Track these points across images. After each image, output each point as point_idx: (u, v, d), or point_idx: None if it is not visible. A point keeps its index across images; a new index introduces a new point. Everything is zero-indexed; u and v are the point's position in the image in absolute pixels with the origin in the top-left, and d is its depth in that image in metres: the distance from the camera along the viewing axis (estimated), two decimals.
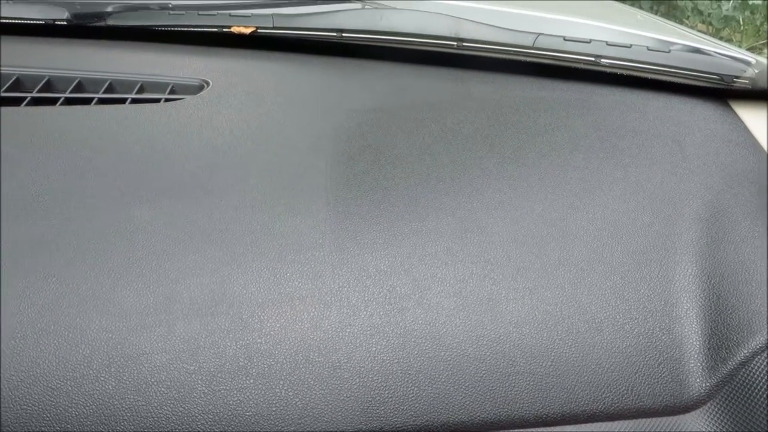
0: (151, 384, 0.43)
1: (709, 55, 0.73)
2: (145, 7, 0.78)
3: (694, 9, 3.80)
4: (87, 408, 0.42)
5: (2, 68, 0.68)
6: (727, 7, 3.76)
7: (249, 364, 0.44)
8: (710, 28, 3.73)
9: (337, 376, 0.44)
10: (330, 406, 0.43)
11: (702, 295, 0.49)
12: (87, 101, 0.66)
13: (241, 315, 0.46)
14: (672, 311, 0.48)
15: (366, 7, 0.78)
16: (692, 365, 0.46)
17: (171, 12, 0.77)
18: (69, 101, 0.66)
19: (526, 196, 0.55)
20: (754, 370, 0.46)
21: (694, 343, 0.47)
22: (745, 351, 0.46)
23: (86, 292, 0.46)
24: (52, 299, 0.45)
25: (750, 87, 0.68)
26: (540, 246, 0.51)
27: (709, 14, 3.77)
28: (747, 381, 0.46)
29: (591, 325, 0.47)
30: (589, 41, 0.71)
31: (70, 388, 0.42)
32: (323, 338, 0.45)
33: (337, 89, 0.70)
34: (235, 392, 0.43)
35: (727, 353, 0.47)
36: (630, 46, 0.71)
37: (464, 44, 0.73)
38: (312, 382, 0.44)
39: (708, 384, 0.46)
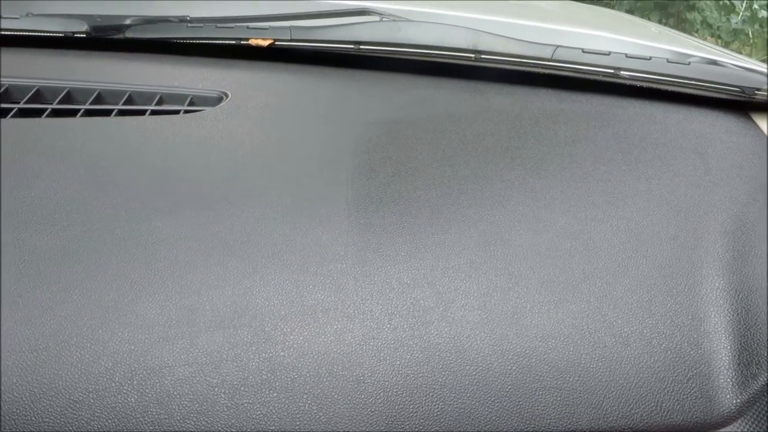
0: (173, 397, 0.42)
1: (728, 67, 0.72)
2: (164, 20, 0.79)
3: (703, 22, 3.80)
4: (109, 421, 0.41)
5: (23, 80, 0.69)
6: (736, 21, 3.76)
7: (272, 377, 0.43)
8: (719, 41, 3.74)
9: (361, 390, 0.43)
10: (354, 421, 0.43)
11: (730, 310, 0.48)
12: (107, 113, 0.66)
13: (264, 327, 0.45)
14: (700, 326, 0.47)
15: (384, 19, 0.78)
16: (722, 381, 0.45)
17: (189, 24, 0.78)
18: (89, 113, 0.66)
19: (548, 208, 0.55)
20: None
21: (724, 358, 0.46)
22: None
23: (108, 304, 0.46)
24: (74, 310, 0.45)
25: None
26: (564, 259, 0.51)
27: (719, 27, 3.77)
28: None
29: (618, 340, 0.46)
30: (608, 53, 0.71)
31: (92, 401, 0.42)
32: (347, 351, 0.45)
33: (356, 101, 0.70)
34: (258, 406, 0.42)
35: (757, 369, 0.46)
36: (649, 59, 0.70)
37: (482, 56, 0.73)
38: (336, 396, 0.43)
39: (738, 400, 0.45)
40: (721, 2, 3.77)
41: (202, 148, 0.60)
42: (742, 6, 3.76)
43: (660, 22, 3.83)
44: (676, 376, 0.45)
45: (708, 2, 3.77)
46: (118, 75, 0.72)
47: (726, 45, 3.70)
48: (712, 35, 3.79)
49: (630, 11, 3.81)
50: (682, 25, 3.93)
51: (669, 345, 0.46)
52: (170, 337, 0.44)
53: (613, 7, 3.78)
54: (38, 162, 0.57)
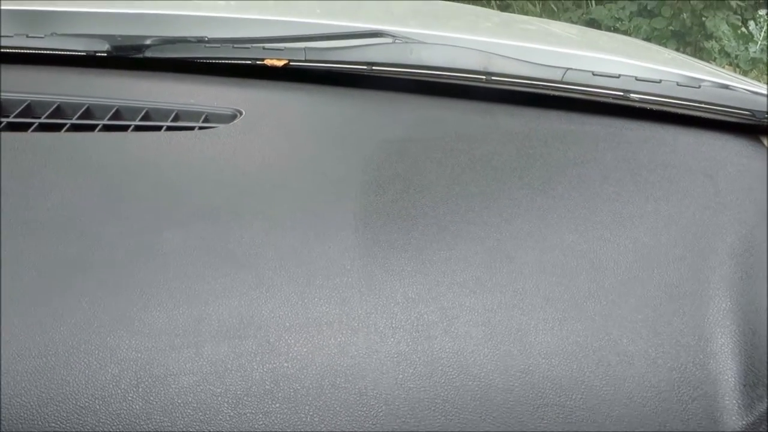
0: (177, 405, 0.43)
1: (739, 91, 0.73)
2: (183, 40, 0.81)
3: (720, 51, 3.80)
4: (114, 427, 0.42)
5: (45, 96, 0.71)
6: (754, 49, 3.75)
7: (275, 387, 0.44)
8: (737, 70, 3.73)
9: (363, 403, 0.44)
10: None
11: (737, 330, 0.48)
12: (124, 128, 0.68)
13: (269, 338, 0.46)
14: (706, 346, 0.47)
15: (396, 41, 0.80)
16: (727, 402, 0.45)
17: (207, 45, 0.80)
18: (107, 128, 0.68)
19: (555, 227, 0.55)
20: None
21: (729, 379, 0.46)
22: None
23: (117, 312, 0.46)
24: (83, 318, 0.46)
25: None
26: (569, 277, 0.51)
27: (737, 56, 3.77)
28: None
29: (622, 358, 0.46)
30: (618, 76, 0.72)
31: (98, 407, 0.42)
32: (350, 364, 0.45)
33: (367, 120, 0.71)
34: (260, 416, 0.43)
35: (763, 390, 0.45)
36: (659, 82, 0.71)
37: (493, 78, 0.74)
38: (338, 408, 0.43)
39: (744, 422, 0.44)
40: (739, 31, 3.78)
41: (215, 163, 0.61)
42: (760, 35, 3.76)
43: (677, 50, 3.84)
44: (680, 396, 0.45)
45: (726, 31, 3.77)
46: (137, 92, 0.74)
47: (745, 74, 3.69)
48: (730, 64, 3.78)
49: (647, 39, 3.83)
50: (699, 53, 3.93)
51: (674, 365, 0.46)
52: (176, 345, 0.45)
53: (630, 35, 3.80)
54: (56, 174, 0.59)
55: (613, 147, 0.65)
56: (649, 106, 0.70)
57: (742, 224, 0.56)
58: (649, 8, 4.01)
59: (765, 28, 3.77)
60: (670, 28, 3.96)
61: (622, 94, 0.71)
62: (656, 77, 0.72)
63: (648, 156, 0.64)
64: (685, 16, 3.94)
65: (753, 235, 0.55)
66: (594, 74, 0.72)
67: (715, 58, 3.81)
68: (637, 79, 0.71)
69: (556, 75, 0.72)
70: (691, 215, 0.57)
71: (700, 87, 0.71)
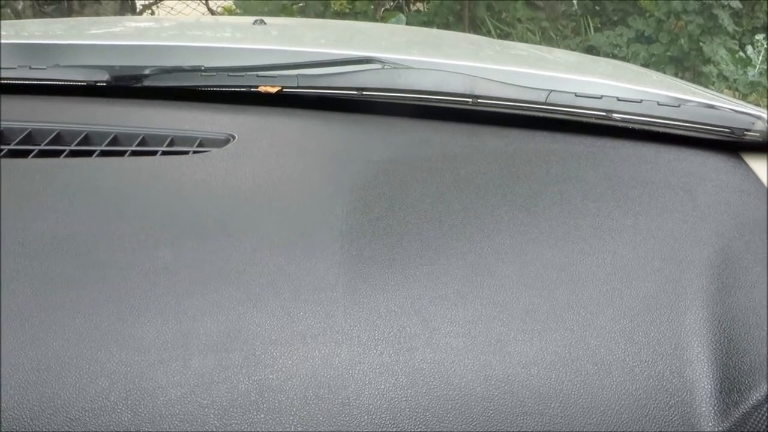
0: (165, 417, 0.44)
1: (719, 109, 0.74)
2: (179, 69, 0.84)
3: (719, 75, 3.83)
4: None
5: (46, 124, 0.73)
6: (753, 73, 3.78)
7: (260, 399, 0.45)
8: (736, 93, 3.76)
9: (346, 413, 0.45)
10: None
11: (713, 339, 0.49)
12: (121, 154, 0.70)
13: (255, 351, 0.47)
14: (682, 354, 0.48)
15: (386, 67, 0.82)
16: (703, 409, 0.46)
17: (203, 73, 0.83)
18: (104, 154, 0.70)
19: (536, 241, 0.56)
20: (766, 415, 0.45)
21: (705, 386, 0.47)
22: (758, 395, 0.46)
23: (108, 327, 0.48)
24: (76, 333, 0.47)
25: (761, 140, 0.70)
26: (549, 289, 0.52)
27: (735, 80, 3.80)
28: (760, 425, 0.45)
29: (600, 368, 0.47)
30: (601, 97, 0.74)
31: (87, 419, 0.43)
32: (333, 375, 0.46)
33: (357, 143, 0.73)
34: (246, 426, 0.44)
35: (738, 397, 0.46)
36: (641, 102, 0.73)
37: (479, 101, 0.76)
38: (321, 419, 0.44)
39: (720, 428, 0.45)
40: (737, 56, 3.82)
41: (207, 185, 0.63)
42: (758, 59, 3.79)
43: (676, 75, 3.87)
44: (657, 404, 0.46)
45: (723, 56, 3.81)
46: (134, 119, 0.76)
47: (743, 97, 3.72)
48: (729, 88, 3.81)
49: (645, 65, 3.87)
50: (698, 78, 3.96)
51: (651, 373, 0.47)
52: (165, 359, 0.46)
53: (628, 61, 3.84)
54: (53, 197, 0.61)
55: (594, 165, 0.67)
56: (630, 125, 0.72)
57: (720, 237, 0.57)
58: (646, 34, 4.06)
59: (763, 52, 3.80)
60: (668, 53, 4.00)
61: (604, 114, 0.73)
62: (637, 98, 0.74)
63: (629, 172, 0.66)
64: (682, 42, 3.98)
65: (730, 247, 0.56)
66: (577, 95, 0.74)
67: (714, 82, 3.84)
68: (618, 99, 0.73)
69: (540, 97, 0.74)
70: (669, 229, 0.58)
71: (680, 106, 0.73)
